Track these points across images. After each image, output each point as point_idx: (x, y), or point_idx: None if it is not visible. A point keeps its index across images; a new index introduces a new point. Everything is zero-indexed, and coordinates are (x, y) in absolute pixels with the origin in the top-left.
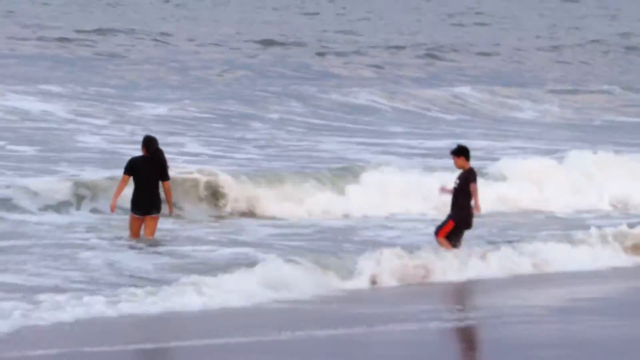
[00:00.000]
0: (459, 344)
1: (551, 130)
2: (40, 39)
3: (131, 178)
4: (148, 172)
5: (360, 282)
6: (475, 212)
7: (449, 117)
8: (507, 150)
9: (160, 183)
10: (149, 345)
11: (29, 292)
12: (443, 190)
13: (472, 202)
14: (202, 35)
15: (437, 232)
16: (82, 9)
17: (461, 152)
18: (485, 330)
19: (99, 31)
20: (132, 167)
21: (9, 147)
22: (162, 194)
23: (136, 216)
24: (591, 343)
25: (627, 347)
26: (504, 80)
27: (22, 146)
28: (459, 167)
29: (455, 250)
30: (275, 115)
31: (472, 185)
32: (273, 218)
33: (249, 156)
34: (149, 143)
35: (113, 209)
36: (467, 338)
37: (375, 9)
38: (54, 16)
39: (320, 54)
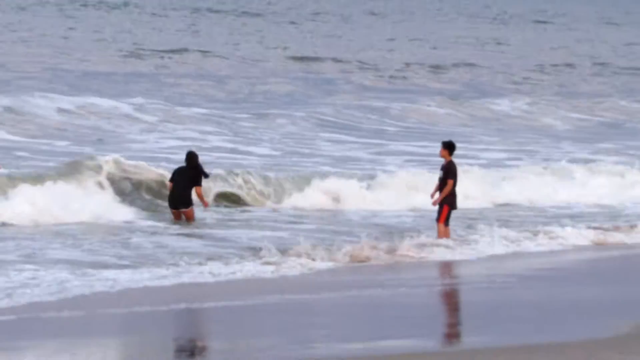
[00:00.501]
0: (449, 304)
1: None
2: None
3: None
4: (180, 178)
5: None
6: (433, 202)
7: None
8: None
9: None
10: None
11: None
12: (434, 203)
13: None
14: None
15: (438, 219)
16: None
17: (446, 146)
18: (470, 294)
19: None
20: (173, 174)
21: None
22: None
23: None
24: (547, 304)
25: (574, 306)
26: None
27: None
28: (441, 156)
29: (444, 240)
30: None
31: (448, 181)
32: None
33: None
34: (187, 157)
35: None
36: (454, 300)
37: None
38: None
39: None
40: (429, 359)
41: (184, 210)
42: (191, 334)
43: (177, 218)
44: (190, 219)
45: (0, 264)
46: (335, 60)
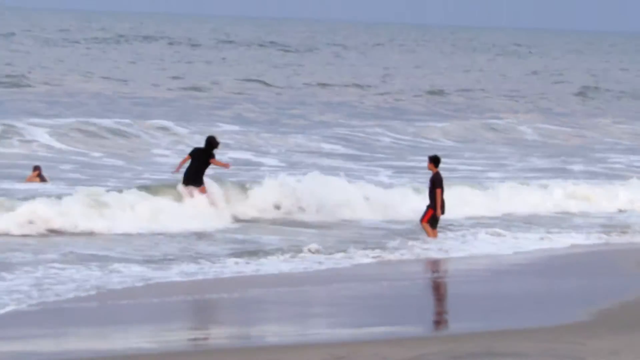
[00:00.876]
0: (431, 295)
1: None
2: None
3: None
4: (196, 158)
5: None
6: (437, 214)
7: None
8: None
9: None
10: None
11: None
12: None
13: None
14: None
15: (422, 219)
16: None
17: (432, 160)
18: (448, 286)
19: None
20: (192, 151)
21: None
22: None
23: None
24: (519, 295)
25: (537, 296)
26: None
27: None
28: (428, 169)
29: (430, 238)
30: None
31: (437, 191)
32: None
33: None
34: (207, 141)
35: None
36: (437, 292)
37: None
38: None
39: None
40: (418, 343)
41: (195, 187)
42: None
43: (188, 195)
44: (203, 192)
45: (75, 262)
46: (355, 85)
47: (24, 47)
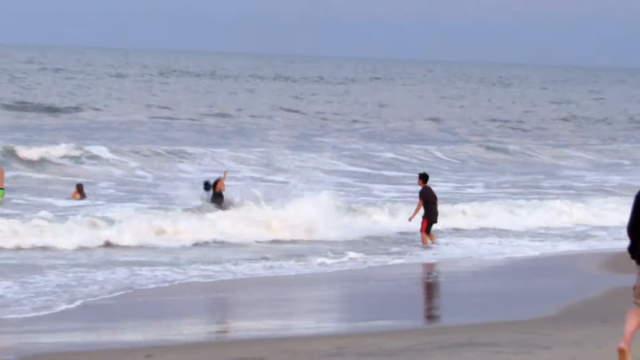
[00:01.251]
0: (426, 294)
1: None
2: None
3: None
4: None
5: None
6: (410, 219)
7: None
8: None
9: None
10: None
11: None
12: (410, 219)
13: (436, 207)
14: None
15: (420, 229)
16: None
17: (421, 177)
18: (436, 286)
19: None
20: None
21: None
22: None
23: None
24: (494, 293)
25: (512, 294)
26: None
27: None
28: (418, 184)
29: (426, 245)
30: None
31: (419, 201)
32: None
33: None
34: (207, 186)
35: None
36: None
37: None
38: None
39: None
40: (410, 334)
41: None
42: None
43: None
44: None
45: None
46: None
47: (80, 81)
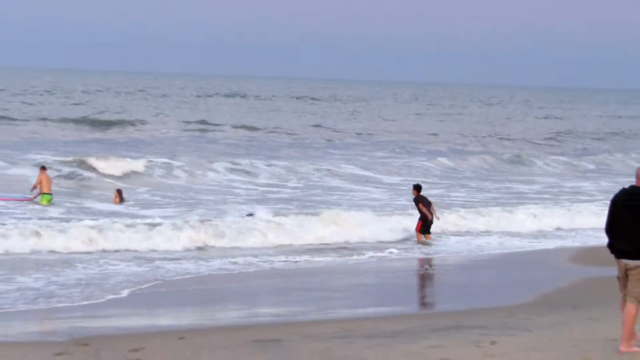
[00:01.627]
0: (421, 284)
1: None
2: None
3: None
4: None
5: None
6: (428, 218)
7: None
8: None
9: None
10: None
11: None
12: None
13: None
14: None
15: (416, 228)
16: None
17: (415, 187)
18: (439, 275)
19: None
20: None
21: None
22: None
23: None
24: (480, 282)
25: (496, 284)
26: None
27: None
28: (413, 194)
29: (420, 242)
30: None
31: (419, 205)
32: None
33: None
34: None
35: None
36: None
37: None
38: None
39: None
40: (406, 319)
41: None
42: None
43: None
44: None
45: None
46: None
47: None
